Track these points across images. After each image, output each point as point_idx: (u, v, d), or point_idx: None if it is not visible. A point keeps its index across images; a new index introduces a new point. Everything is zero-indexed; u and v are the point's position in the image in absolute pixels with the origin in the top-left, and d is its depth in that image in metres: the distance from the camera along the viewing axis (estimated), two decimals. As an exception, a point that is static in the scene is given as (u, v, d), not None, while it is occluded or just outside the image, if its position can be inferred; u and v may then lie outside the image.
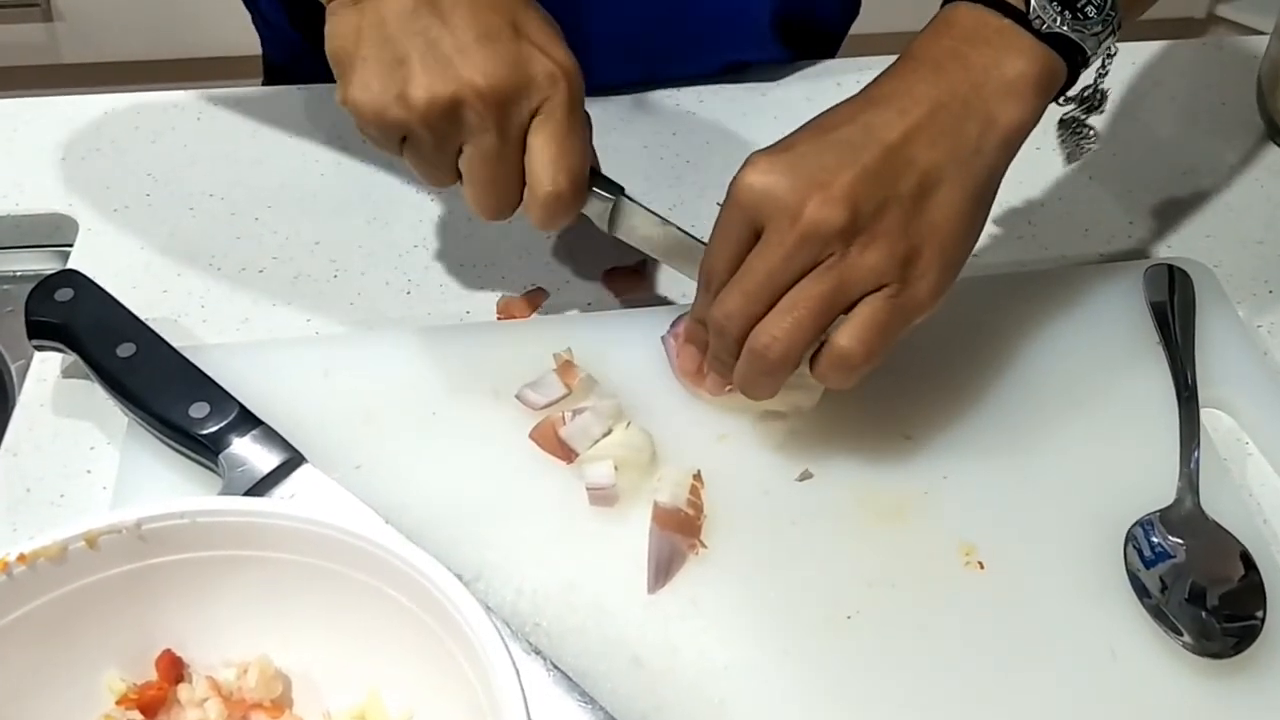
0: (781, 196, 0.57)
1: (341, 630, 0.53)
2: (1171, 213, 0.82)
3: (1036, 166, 0.84)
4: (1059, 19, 0.59)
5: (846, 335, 0.58)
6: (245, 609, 0.54)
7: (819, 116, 0.60)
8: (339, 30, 0.62)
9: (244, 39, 1.02)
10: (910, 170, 0.57)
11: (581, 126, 0.63)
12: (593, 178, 0.66)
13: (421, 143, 0.62)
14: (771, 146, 0.59)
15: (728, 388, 0.64)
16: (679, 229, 0.67)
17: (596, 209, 0.67)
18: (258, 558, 0.53)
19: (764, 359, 0.59)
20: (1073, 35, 0.59)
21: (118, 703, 0.52)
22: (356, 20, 0.61)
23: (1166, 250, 0.79)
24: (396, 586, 0.51)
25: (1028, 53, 0.59)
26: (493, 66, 0.60)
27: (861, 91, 0.61)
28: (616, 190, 0.67)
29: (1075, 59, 0.60)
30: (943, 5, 0.62)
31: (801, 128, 0.60)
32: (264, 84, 1.00)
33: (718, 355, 0.62)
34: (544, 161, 0.62)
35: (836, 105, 0.60)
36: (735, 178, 0.59)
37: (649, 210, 0.67)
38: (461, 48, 0.60)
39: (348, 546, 0.51)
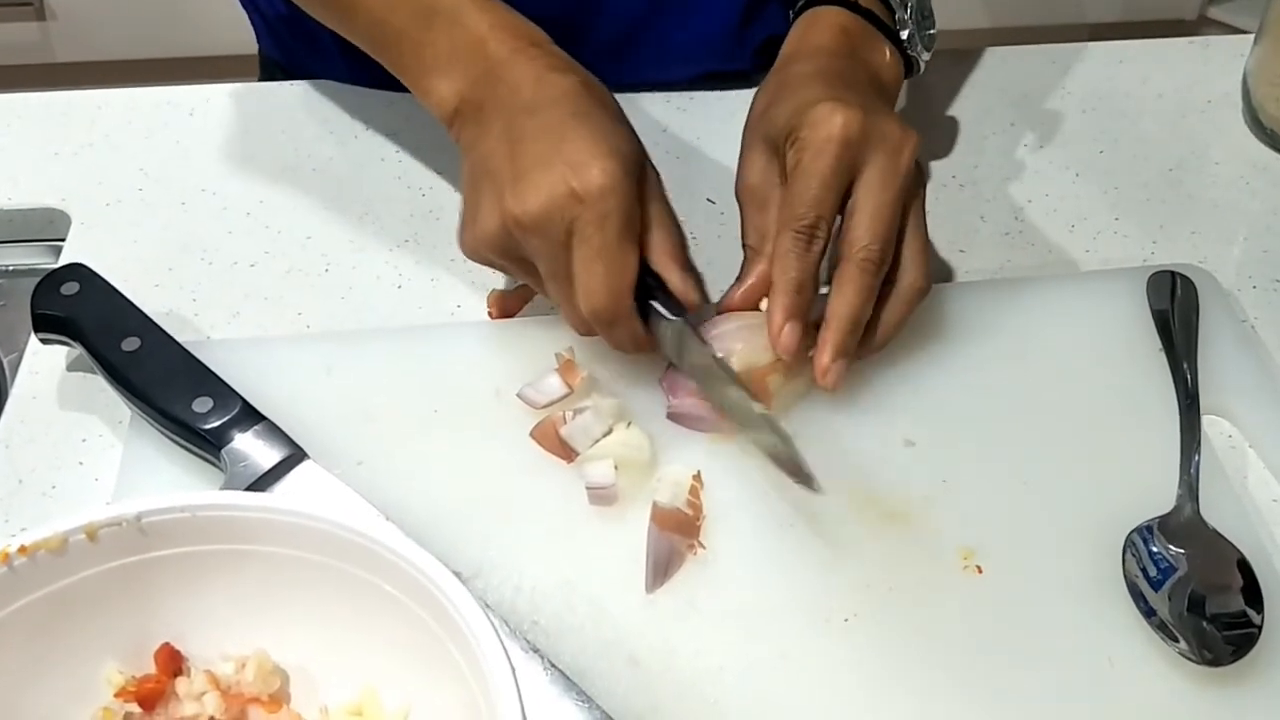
0: (885, 131, 0.64)
1: (339, 626, 0.53)
2: (1157, 209, 0.82)
3: (1022, 164, 0.85)
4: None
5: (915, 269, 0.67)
6: (244, 603, 0.54)
7: (805, 69, 0.69)
8: (463, 171, 0.67)
9: (239, 38, 1.02)
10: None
11: (613, 242, 0.62)
12: (658, 292, 0.65)
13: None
14: (828, 98, 0.65)
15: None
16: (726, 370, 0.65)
17: (659, 330, 0.65)
18: (257, 552, 0.53)
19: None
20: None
21: (116, 695, 0.52)
22: (466, 166, 0.67)
23: (1152, 246, 0.79)
24: (394, 583, 0.51)
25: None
26: (527, 198, 0.62)
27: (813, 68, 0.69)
28: (679, 313, 0.65)
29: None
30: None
31: (804, 79, 0.68)
32: (259, 80, 1.00)
33: (855, 297, 0.64)
34: (578, 287, 0.63)
35: (796, 66, 0.70)
36: (824, 127, 0.63)
37: (703, 342, 0.65)
38: (513, 179, 0.63)
39: (346, 542, 0.51)
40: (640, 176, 0.64)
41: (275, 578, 0.53)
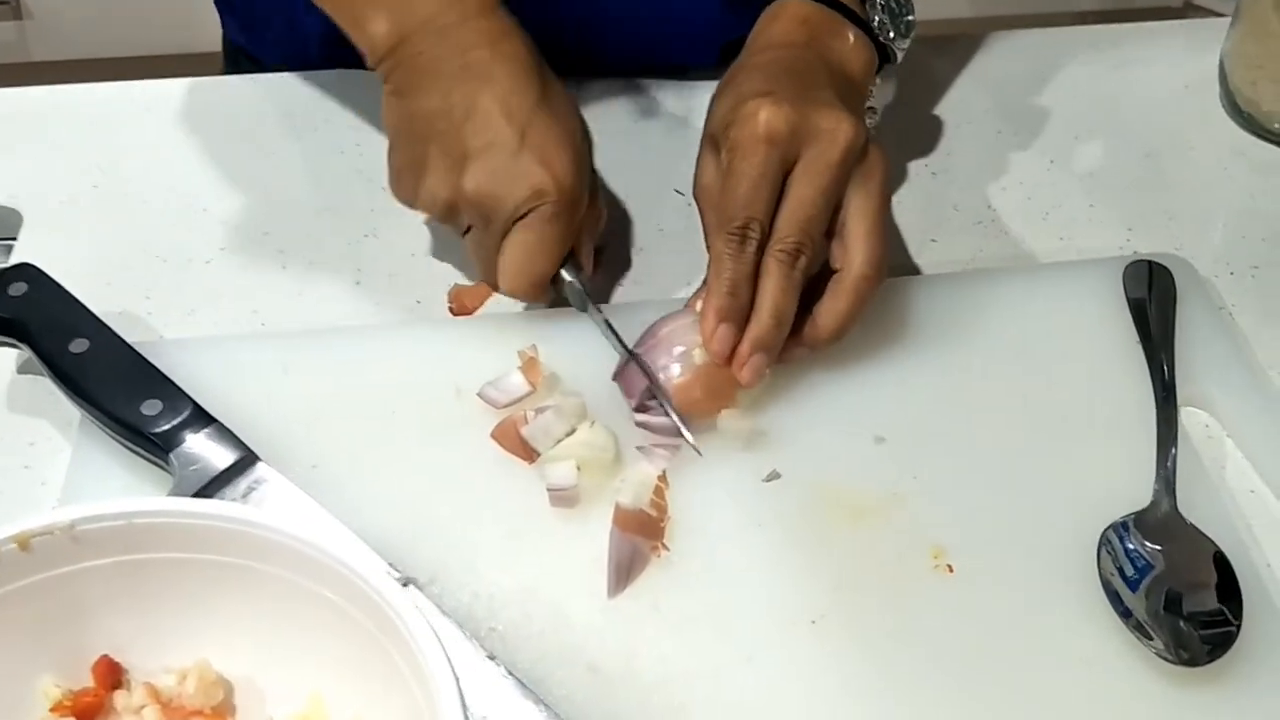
0: (817, 122, 0.63)
1: (284, 635, 0.52)
2: (1133, 196, 0.81)
3: (996, 151, 0.83)
4: None
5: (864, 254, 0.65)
6: (185, 613, 0.52)
7: (754, 62, 0.69)
8: (385, 118, 0.69)
9: (215, 35, 1.00)
10: None
11: (556, 237, 0.66)
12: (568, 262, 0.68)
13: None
14: (759, 93, 0.64)
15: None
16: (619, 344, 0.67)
17: (564, 292, 0.69)
18: (198, 560, 0.51)
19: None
20: None
21: (52, 709, 0.51)
22: (397, 112, 0.67)
23: (1128, 234, 0.78)
24: (338, 592, 0.49)
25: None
26: (483, 178, 0.64)
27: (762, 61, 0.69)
28: (576, 274, 0.69)
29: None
30: None
31: (748, 72, 0.68)
32: (224, 65, 0.98)
33: (773, 289, 0.63)
34: (508, 265, 0.67)
35: (748, 60, 0.70)
36: (749, 124, 0.63)
37: (606, 323, 0.68)
38: (467, 154, 0.65)
39: (289, 550, 0.50)
40: (589, 170, 0.66)
41: (217, 586, 0.52)
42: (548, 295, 0.70)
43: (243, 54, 0.96)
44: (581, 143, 0.67)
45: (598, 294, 0.71)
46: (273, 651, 0.52)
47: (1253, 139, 0.84)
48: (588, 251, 0.70)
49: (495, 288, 0.70)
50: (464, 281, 0.74)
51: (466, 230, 0.68)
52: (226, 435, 0.62)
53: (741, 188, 0.63)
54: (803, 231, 0.63)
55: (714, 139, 0.67)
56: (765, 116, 0.63)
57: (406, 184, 0.68)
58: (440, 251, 0.76)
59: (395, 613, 0.47)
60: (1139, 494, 0.62)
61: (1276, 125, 0.83)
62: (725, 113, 0.65)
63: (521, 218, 0.65)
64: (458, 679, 0.44)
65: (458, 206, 0.66)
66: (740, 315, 0.63)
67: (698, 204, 0.69)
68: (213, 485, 0.61)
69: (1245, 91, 0.84)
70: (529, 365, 0.66)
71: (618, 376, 0.66)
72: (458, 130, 0.65)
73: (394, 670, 0.48)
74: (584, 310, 0.69)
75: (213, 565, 0.51)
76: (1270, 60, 0.82)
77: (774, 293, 0.63)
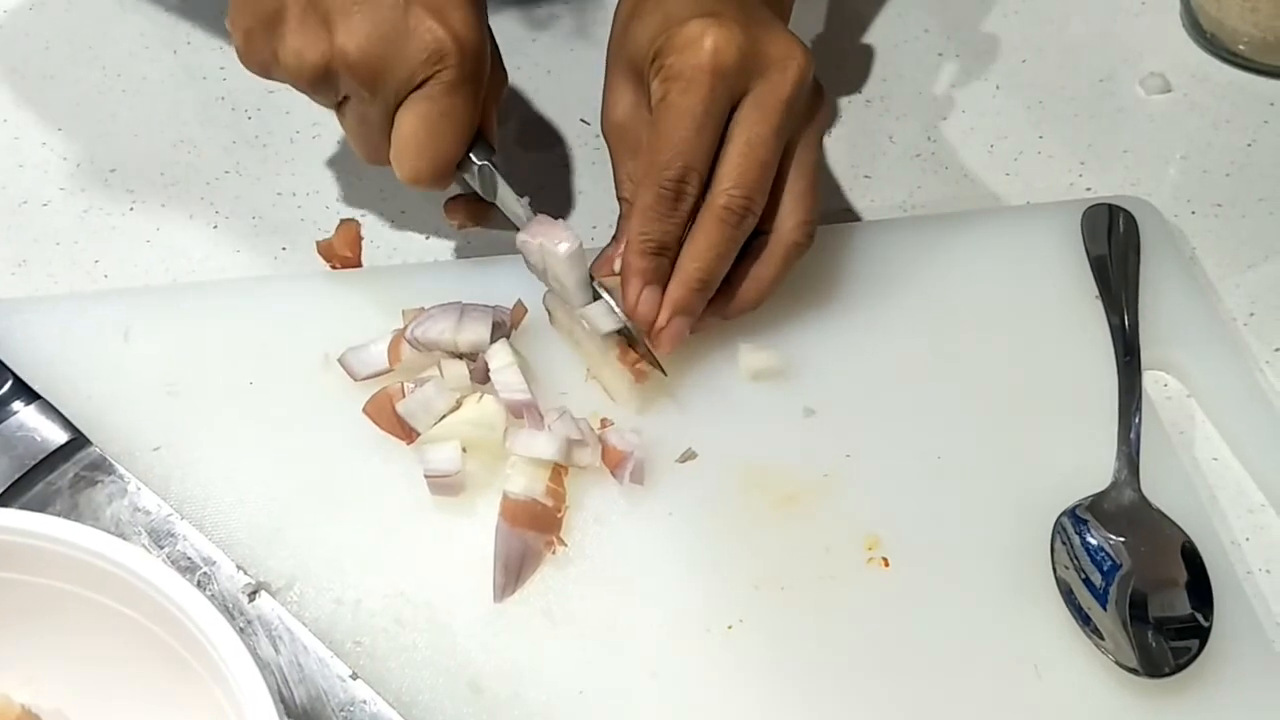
0: (767, 49, 0.55)
1: (97, 663, 0.45)
2: (1086, 126, 0.74)
3: (937, 76, 0.76)
4: None
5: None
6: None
7: None
8: None
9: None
10: None
11: (463, 108, 0.56)
12: (474, 144, 0.58)
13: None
14: (698, 13, 0.55)
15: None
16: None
17: (468, 179, 0.59)
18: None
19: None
20: None
21: None
22: None
23: (1080, 168, 0.71)
24: (151, 617, 0.42)
25: None
26: (366, 36, 0.54)
27: None
28: (486, 156, 0.59)
29: None
30: None
31: (659, 3, 0.57)
32: None
33: (707, 251, 0.55)
34: (407, 145, 0.56)
35: None
36: (692, 52, 0.54)
37: (515, 193, 0.59)
38: (343, 7, 0.54)
39: (96, 570, 0.42)
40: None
41: (17, 609, 0.44)
42: (450, 181, 0.59)
43: None
44: None
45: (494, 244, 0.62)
46: (85, 681, 0.45)
47: (1216, 62, 0.78)
48: (491, 122, 0.60)
49: (379, 163, 0.59)
50: (348, 217, 0.65)
51: (342, 101, 0.58)
52: (52, 414, 0.56)
53: (680, 129, 0.54)
54: (751, 186, 0.54)
55: (633, 65, 0.58)
56: (712, 43, 0.53)
57: (259, 45, 0.56)
58: (314, 189, 0.68)
59: (215, 648, 0.40)
60: (1098, 472, 0.56)
61: (1242, 45, 0.77)
62: (653, 34, 0.56)
63: (418, 86, 0.55)
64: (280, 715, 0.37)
65: (332, 72, 0.55)
66: (665, 276, 0.55)
67: (607, 140, 0.60)
68: (34, 473, 0.54)
69: (1210, 9, 0.77)
70: (394, 344, 0.58)
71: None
72: None
73: (214, 706, 0.40)
74: (494, 198, 0.59)
75: (12, 585, 0.44)
76: (1236, -26, 0.75)
77: (707, 253, 0.55)
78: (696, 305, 0.56)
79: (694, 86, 0.53)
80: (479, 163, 0.58)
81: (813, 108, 0.57)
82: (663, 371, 0.57)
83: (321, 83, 0.56)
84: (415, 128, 0.56)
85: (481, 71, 0.56)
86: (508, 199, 0.58)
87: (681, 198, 0.54)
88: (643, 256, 0.55)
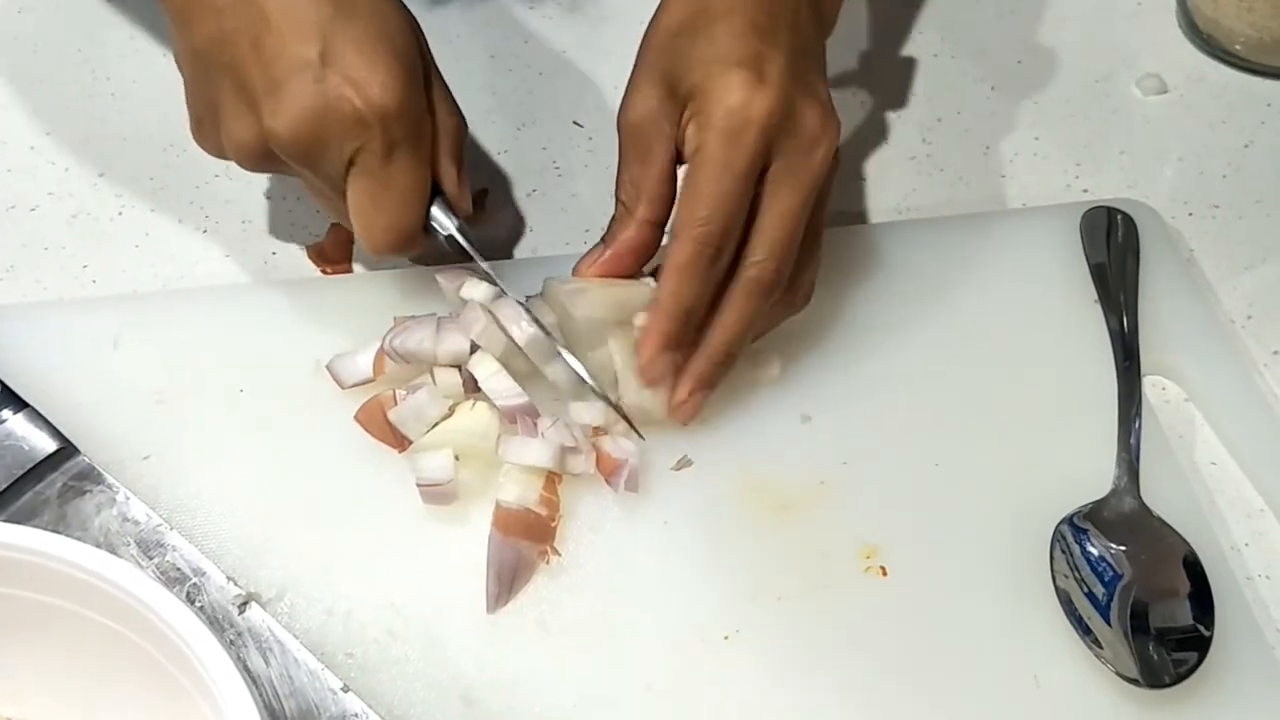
0: (803, 115, 0.53)
1: (83, 678, 0.44)
2: (1082, 126, 0.73)
3: (931, 77, 0.75)
4: None
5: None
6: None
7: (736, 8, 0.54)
8: (176, 50, 0.57)
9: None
10: None
11: (403, 176, 0.54)
12: (439, 204, 0.57)
13: None
14: (745, 62, 0.52)
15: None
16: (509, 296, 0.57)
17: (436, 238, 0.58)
18: (-21, 595, 0.42)
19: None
20: None
21: None
22: (180, 47, 0.56)
23: (1076, 169, 0.71)
24: (138, 632, 0.41)
25: None
26: (292, 116, 0.53)
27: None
28: (451, 216, 0.58)
29: None
30: None
31: (729, 16, 0.54)
32: None
33: (736, 324, 0.54)
34: (358, 219, 0.56)
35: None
36: (739, 109, 0.52)
37: (483, 268, 0.58)
38: (267, 87, 0.53)
39: (82, 584, 0.41)
40: (424, 71, 0.55)
41: (6, 623, 0.43)
42: (421, 245, 0.58)
43: None
44: (406, 40, 0.54)
45: (485, 244, 0.61)
46: (71, 696, 0.45)
47: (1213, 62, 0.77)
48: (453, 179, 0.57)
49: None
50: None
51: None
52: (40, 423, 0.55)
53: (723, 183, 0.52)
54: (784, 258, 0.53)
55: (668, 78, 0.55)
56: (760, 104, 0.52)
57: (208, 133, 0.56)
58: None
59: (201, 663, 0.39)
60: (1098, 479, 0.55)
61: (1238, 45, 0.76)
62: (700, 65, 0.54)
63: (352, 160, 0.54)
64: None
65: (270, 153, 0.54)
66: (689, 343, 0.54)
67: (620, 140, 0.57)
68: (22, 483, 0.53)
69: (1205, 9, 0.76)
70: (379, 353, 0.57)
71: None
72: (245, 59, 0.53)
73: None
74: (469, 262, 0.58)
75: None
76: (1233, -27, 0.75)
77: (736, 326, 0.54)
78: (719, 379, 0.55)
79: (738, 142, 0.52)
80: (443, 234, 0.57)
81: (832, 174, 0.56)
82: (640, 435, 0.55)
83: (266, 163, 0.55)
84: (360, 203, 0.55)
85: (416, 132, 0.54)
86: (481, 269, 0.58)
87: (720, 256, 0.52)
88: (671, 320, 0.53)
